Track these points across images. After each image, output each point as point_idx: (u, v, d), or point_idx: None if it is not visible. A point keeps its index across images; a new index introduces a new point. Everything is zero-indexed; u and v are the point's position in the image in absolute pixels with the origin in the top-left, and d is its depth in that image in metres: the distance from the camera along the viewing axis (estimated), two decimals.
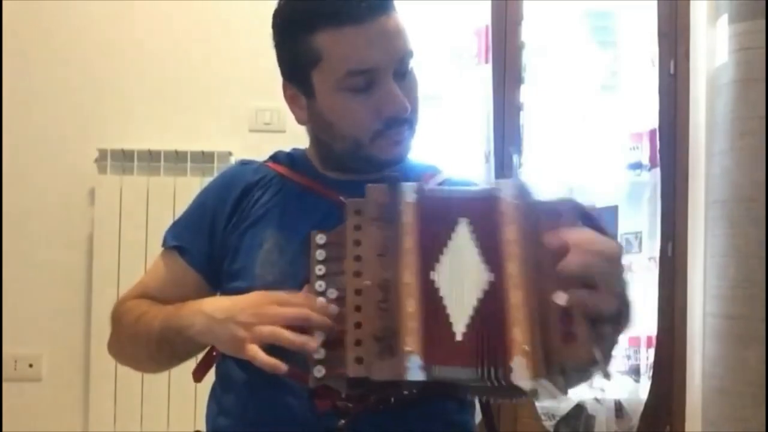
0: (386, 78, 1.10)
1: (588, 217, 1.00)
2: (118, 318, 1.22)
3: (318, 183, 1.20)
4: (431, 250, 1.01)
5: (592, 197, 2.54)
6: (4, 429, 2.43)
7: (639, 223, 2.53)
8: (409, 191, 1.03)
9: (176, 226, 1.26)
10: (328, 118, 1.15)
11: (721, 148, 2.23)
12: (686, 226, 2.52)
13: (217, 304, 1.08)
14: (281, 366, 0.99)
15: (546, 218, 0.99)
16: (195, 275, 1.20)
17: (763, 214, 2.10)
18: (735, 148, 2.18)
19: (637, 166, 2.56)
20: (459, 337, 0.97)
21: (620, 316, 0.98)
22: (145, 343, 1.16)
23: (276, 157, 1.27)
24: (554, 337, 0.94)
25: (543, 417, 2.45)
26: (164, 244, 1.24)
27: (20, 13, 2.57)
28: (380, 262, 1.00)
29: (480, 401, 1.19)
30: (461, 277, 1.00)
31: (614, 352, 1.00)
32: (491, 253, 0.99)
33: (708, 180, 2.35)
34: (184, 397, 2.36)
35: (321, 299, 1.01)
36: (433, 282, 0.99)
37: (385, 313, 0.98)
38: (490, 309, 0.97)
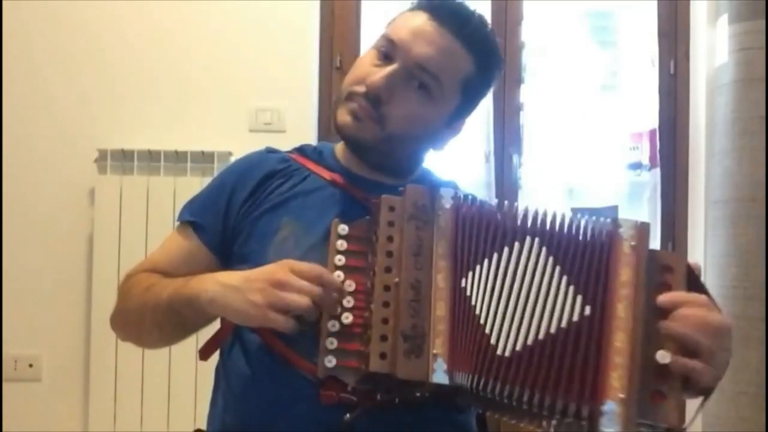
0: (395, 63, 1.12)
1: (693, 277, 1.00)
2: (125, 290, 1.21)
3: (343, 178, 1.20)
4: (468, 257, 1.01)
5: (592, 197, 2.54)
6: (4, 429, 2.43)
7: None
8: (447, 197, 1.03)
9: (193, 202, 1.25)
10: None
11: (721, 148, 2.23)
12: (686, 226, 2.52)
13: (231, 274, 1.08)
14: (296, 325, 0.99)
15: (657, 270, 0.99)
16: (207, 253, 1.20)
17: (763, 213, 2.10)
18: (735, 148, 2.18)
19: (637, 166, 2.56)
20: (505, 353, 0.97)
21: (710, 389, 0.98)
22: (152, 314, 1.15)
23: (302, 149, 1.27)
24: (646, 393, 0.94)
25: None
26: (179, 218, 1.24)
27: (20, 13, 2.57)
28: (414, 262, 1.00)
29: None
30: (522, 294, 0.99)
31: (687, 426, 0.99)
32: (593, 287, 0.98)
33: (708, 180, 2.35)
34: (184, 397, 2.36)
35: (335, 274, 1.02)
36: (464, 289, 1.00)
37: (415, 313, 0.98)
38: (579, 341, 0.96)
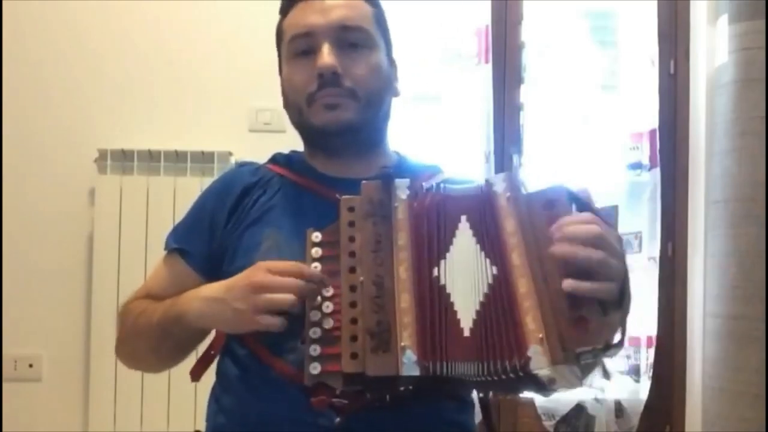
0: (323, 43, 1.16)
1: (578, 200, 1.01)
2: (121, 320, 1.24)
3: (316, 182, 1.22)
4: (429, 246, 1.02)
5: (592, 197, 2.53)
6: (4, 429, 2.43)
7: (639, 223, 2.53)
8: (402, 188, 1.04)
9: (177, 229, 1.27)
10: (283, 89, 1.22)
11: (721, 148, 2.23)
12: (686, 226, 2.52)
13: (212, 287, 1.10)
14: (284, 322, 1.01)
15: (540, 208, 1.00)
16: (196, 277, 1.21)
17: (763, 214, 2.10)
18: (735, 148, 2.18)
19: (637, 166, 2.56)
20: (467, 333, 0.98)
21: (622, 299, 0.99)
22: (146, 338, 1.17)
23: (275, 159, 1.29)
24: (566, 323, 0.94)
25: (543, 417, 2.45)
26: (166, 247, 1.26)
27: (20, 13, 2.57)
28: (374, 259, 1.01)
29: (480, 400, 1.19)
30: (465, 273, 1.00)
31: (623, 336, 0.99)
32: (493, 246, 1.00)
33: (708, 180, 2.35)
34: (184, 397, 2.36)
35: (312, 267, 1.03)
36: (437, 278, 1.00)
37: (379, 309, 0.98)
38: (498, 301, 0.98)
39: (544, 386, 0.96)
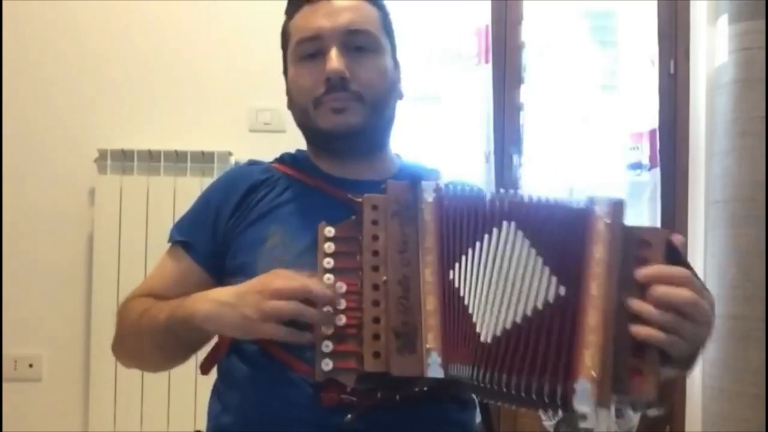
0: (330, 46, 1.16)
1: (673, 249, 0.98)
2: (122, 317, 1.22)
3: (324, 182, 1.21)
4: (453, 249, 1.01)
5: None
6: (4, 429, 2.43)
7: (639, 223, 2.52)
8: (429, 190, 1.03)
9: (181, 222, 1.26)
10: (289, 91, 1.23)
11: (721, 148, 2.23)
12: (686, 226, 2.52)
13: (223, 291, 1.09)
14: (303, 335, 1.00)
15: (634, 245, 0.96)
16: (199, 270, 1.21)
17: (763, 214, 2.10)
18: (735, 148, 2.18)
19: (637, 166, 2.56)
20: (488, 339, 0.97)
21: (689, 362, 0.99)
22: (149, 338, 1.16)
23: (282, 159, 1.29)
24: (622, 369, 0.92)
25: (543, 417, 2.45)
26: (170, 239, 1.25)
27: (20, 13, 2.57)
28: (400, 259, 1.00)
29: (480, 402, 1.19)
30: (501, 280, 0.98)
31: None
32: (568, 266, 0.97)
33: (708, 180, 2.35)
34: (184, 397, 2.36)
35: (325, 276, 1.02)
36: (452, 281, 0.99)
37: (405, 309, 0.98)
38: (556, 322, 0.95)
39: (565, 413, 0.94)
